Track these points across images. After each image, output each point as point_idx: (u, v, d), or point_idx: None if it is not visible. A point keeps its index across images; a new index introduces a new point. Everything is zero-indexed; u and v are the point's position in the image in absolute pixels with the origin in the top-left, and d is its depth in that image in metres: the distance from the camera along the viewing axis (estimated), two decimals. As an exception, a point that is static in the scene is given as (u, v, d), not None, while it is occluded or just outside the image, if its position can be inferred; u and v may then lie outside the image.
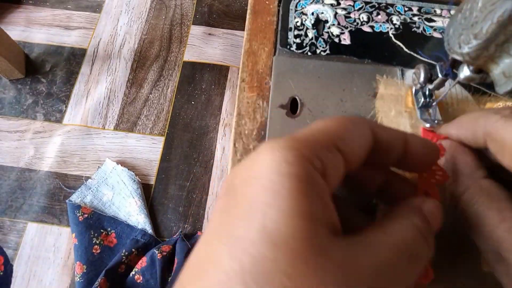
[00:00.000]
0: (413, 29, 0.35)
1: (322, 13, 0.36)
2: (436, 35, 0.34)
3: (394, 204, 0.19)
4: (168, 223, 0.87)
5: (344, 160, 0.16)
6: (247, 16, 0.35)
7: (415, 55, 0.33)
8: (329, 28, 0.35)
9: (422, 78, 0.27)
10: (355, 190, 0.22)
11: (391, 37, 0.34)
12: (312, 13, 0.35)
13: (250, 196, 0.13)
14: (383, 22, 0.35)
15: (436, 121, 0.27)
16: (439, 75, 0.26)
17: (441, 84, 0.26)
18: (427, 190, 0.22)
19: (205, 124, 0.98)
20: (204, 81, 1.04)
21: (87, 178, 0.90)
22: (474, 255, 0.24)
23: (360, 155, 0.17)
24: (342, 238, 0.14)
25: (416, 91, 0.30)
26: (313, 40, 0.34)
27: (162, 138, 0.96)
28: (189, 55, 1.07)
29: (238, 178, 0.15)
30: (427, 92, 0.28)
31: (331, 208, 0.14)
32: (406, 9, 0.36)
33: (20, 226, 0.86)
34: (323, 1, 0.36)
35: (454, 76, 0.24)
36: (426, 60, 0.33)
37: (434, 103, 0.28)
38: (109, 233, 0.84)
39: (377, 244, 0.14)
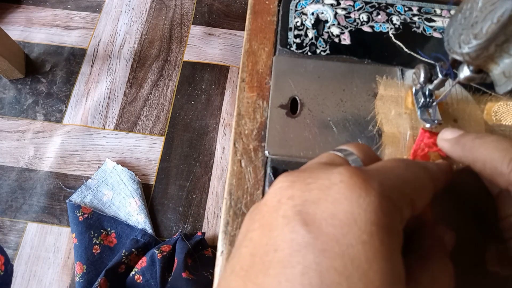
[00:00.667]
0: (413, 29, 0.35)
1: (322, 13, 0.36)
2: (436, 35, 0.34)
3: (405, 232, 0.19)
4: (168, 223, 0.87)
5: (411, 213, 0.16)
6: (247, 16, 0.35)
7: (415, 55, 0.33)
8: (329, 28, 0.35)
9: (422, 78, 0.27)
10: None
11: (391, 37, 0.34)
12: (312, 13, 0.35)
13: (346, 246, 0.12)
14: (383, 22, 0.35)
15: (436, 121, 0.27)
16: (439, 75, 0.26)
17: (441, 84, 0.26)
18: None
19: (205, 124, 0.98)
20: (204, 81, 1.04)
21: (87, 178, 0.90)
22: (478, 254, 0.24)
23: (421, 209, 0.17)
24: None
25: (416, 91, 0.30)
26: (313, 40, 0.34)
27: (162, 138, 0.96)
28: (189, 55, 1.07)
29: (318, 209, 0.13)
30: (427, 92, 0.28)
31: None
32: (406, 9, 0.36)
33: (20, 226, 0.86)
34: (323, 1, 0.36)
35: (455, 76, 0.24)
36: (426, 60, 0.33)
37: (434, 103, 0.28)
38: (109, 233, 0.84)
39: None
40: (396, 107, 0.30)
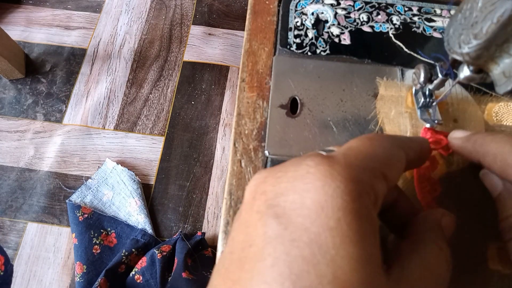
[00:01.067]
0: (413, 29, 0.35)
1: (322, 13, 0.36)
2: (436, 35, 0.34)
3: (400, 221, 0.19)
4: (168, 223, 0.87)
5: (387, 186, 0.16)
6: (247, 16, 0.35)
7: (415, 55, 0.33)
8: (329, 28, 0.35)
9: (422, 78, 0.27)
10: None
11: (391, 37, 0.34)
12: (312, 13, 0.35)
13: (314, 234, 0.12)
14: (383, 22, 0.35)
15: (436, 121, 0.27)
16: (439, 75, 0.26)
17: (441, 84, 0.26)
18: (428, 201, 0.23)
19: (205, 124, 0.98)
20: (204, 81, 1.04)
21: (87, 178, 0.90)
22: (479, 253, 0.24)
23: (397, 180, 0.17)
24: (387, 274, 0.14)
25: (416, 91, 0.30)
26: (313, 40, 0.34)
27: (162, 138, 0.96)
28: (189, 55, 1.07)
29: (288, 200, 0.14)
30: (427, 92, 0.28)
31: (379, 244, 0.14)
32: (406, 9, 0.36)
33: (20, 226, 0.86)
34: (323, 1, 0.36)
35: (455, 76, 0.24)
36: (426, 60, 0.33)
37: (434, 103, 0.28)
38: (109, 233, 0.84)
39: (417, 278, 0.15)
40: (397, 106, 0.30)
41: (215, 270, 0.15)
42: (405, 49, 0.34)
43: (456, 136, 0.24)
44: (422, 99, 0.29)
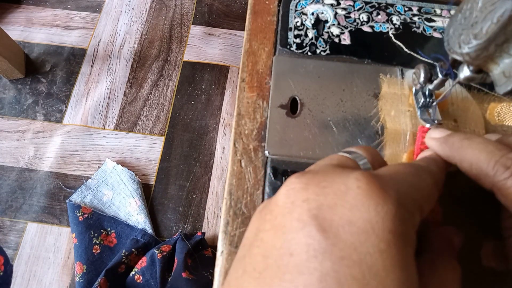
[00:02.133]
0: (413, 29, 0.35)
1: (322, 13, 0.36)
2: (436, 35, 0.34)
3: None
4: (168, 223, 0.87)
5: (420, 219, 0.16)
6: (247, 16, 0.35)
7: (415, 55, 0.33)
8: (329, 28, 0.35)
9: (422, 78, 0.27)
10: None
11: (391, 37, 0.34)
12: (312, 13, 0.35)
13: (363, 254, 0.12)
14: (383, 22, 0.35)
15: (435, 121, 0.27)
16: (439, 75, 0.26)
17: (441, 84, 0.26)
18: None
19: (205, 124, 0.98)
20: (204, 81, 1.04)
21: (87, 178, 0.90)
22: (472, 249, 0.24)
23: (427, 214, 0.17)
24: None
25: (416, 91, 0.30)
26: (313, 40, 0.34)
27: (162, 138, 0.96)
28: (189, 55, 1.07)
29: (336, 214, 0.13)
30: (427, 92, 0.28)
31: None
32: (406, 9, 0.36)
33: (20, 226, 0.86)
34: (323, 1, 0.36)
35: (455, 76, 0.24)
36: (426, 60, 0.33)
37: (434, 103, 0.28)
38: (109, 233, 0.84)
39: None
40: (399, 104, 0.30)
41: (241, 269, 0.14)
42: (405, 49, 0.34)
43: (434, 137, 0.24)
44: (422, 99, 0.29)
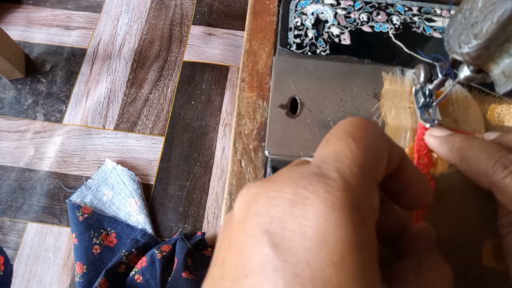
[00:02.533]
0: (413, 29, 0.35)
1: (322, 13, 0.36)
2: (436, 35, 0.34)
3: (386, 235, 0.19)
4: (168, 223, 0.87)
5: (378, 191, 0.15)
6: (247, 16, 0.35)
7: (415, 55, 0.33)
8: (329, 28, 0.35)
9: (422, 78, 0.27)
10: None
11: (391, 37, 0.34)
12: (312, 13, 0.35)
13: (317, 269, 0.12)
14: (383, 22, 0.35)
15: (435, 121, 0.27)
16: (439, 75, 0.26)
17: (441, 84, 0.26)
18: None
19: (205, 124, 0.98)
20: (204, 81, 1.04)
21: (87, 178, 0.90)
22: (475, 249, 0.24)
23: (382, 176, 0.15)
24: None
25: (416, 91, 0.30)
26: (313, 40, 0.34)
27: (162, 138, 0.96)
28: (189, 55, 1.07)
29: (286, 228, 0.13)
30: (427, 92, 0.28)
31: (379, 271, 0.13)
32: (406, 9, 0.36)
33: (20, 226, 0.86)
34: (323, 1, 0.36)
35: (455, 76, 0.24)
36: (426, 60, 0.33)
37: (434, 103, 0.28)
38: (109, 233, 0.84)
39: None
40: (400, 101, 0.31)
41: (206, 286, 0.14)
42: (405, 49, 0.34)
43: (434, 135, 0.24)
44: (422, 99, 0.29)
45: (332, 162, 0.14)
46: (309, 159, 0.17)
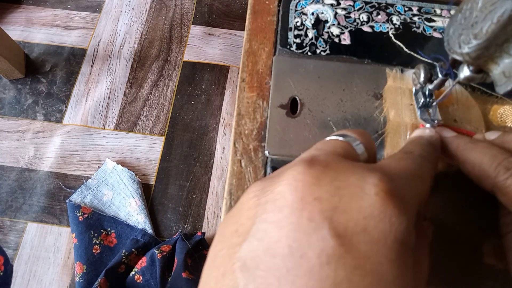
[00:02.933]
0: (413, 29, 0.35)
1: (322, 13, 0.36)
2: (436, 35, 0.34)
3: None
4: (168, 223, 0.87)
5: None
6: (247, 16, 0.35)
7: (415, 55, 0.33)
8: (329, 28, 0.35)
9: (422, 78, 0.27)
10: None
11: (391, 37, 0.34)
12: (312, 13, 0.35)
13: (375, 264, 0.12)
14: (383, 22, 0.35)
15: (436, 121, 0.27)
16: (439, 75, 0.26)
17: (441, 84, 0.26)
18: None
19: (205, 124, 0.98)
20: (204, 81, 1.04)
21: (87, 178, 0.90)
22: (476, 247, 0.24)
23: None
24: None
25: (416, 91, 0.30)
26: (313, 40, 0.34)
27: (162, 138, 0.96)
28: (189, 55, 1.07)
29: (350, 220, 0.13)
30: (427, 92, 0.28)
31: None
32: (406, 9, 0.36)
33: (20, 226, 0.86)
34: (323, 1, 0.36)
35: (455, 76, 0.24)
36: (426, 60, 0.33)
37: (434, 103, 0.28)
38: (109, 233, 0.84)
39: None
40: (403, 98, 0.31)
41: (237, 260, 0.13)
42: (405, 49, 0.34)
43: (441, 135, 0.24)
44: (422, 99, 0.29)
45: (394, 169, 0.16)
46: (340, 138, 0.18)
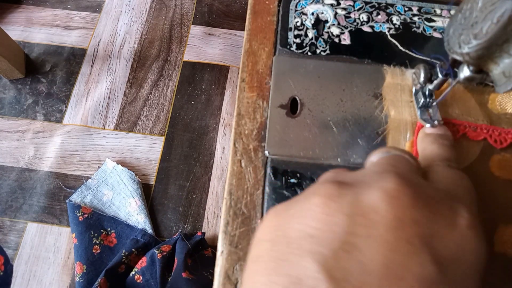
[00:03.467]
0: (413, 29, 0.35)
1: (322, 13, 0.36)
2: (436, 35, 0.34)
3: None
4: (168, 223, 0.87)
5: None
6: (247, 16, 0.35)
7: (415, 55, 0.33)
8: (329, 28, 0.35)
9: (422, 78, 0.27)
10: None
11: (386, 35, 0.34)
12: (312, 13, 0.35)
13: None
14: (383, 22, 0.35)
15: (436, 121, 0.27)
16: (439, 75, 0.26)
17: (441, 84, 0.26)
18: None
19: (205, 124, 0.98)
20: (204, 81, 1.04)
21: (87, 178, 0.90)
22: (486, 236, 0.24)
23: None
24: None
25: (416, 91, 0.30)
26: (313, 40, 0.34)
27: (162, 138, 0.96)
28: (189, 55, 1.07)
29: (448, 248, 0.14)
30: (427, 92, 0.28)
31: None
32: (406, 9, 0.36)
33: (20, 226, 0.86)
34: (323, 1, 0.36)
35: (455, 75, 0.24)
36: (423, 58, 0.33)
37: (434, 103, 0.28)
38: (109, 233, 0.84)
39: None
40: (402, 95, 0.31)
41: (327, 274, 0.13)
42: (400, 47, 0.34)
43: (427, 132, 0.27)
44: (422, 99, 0.29)
45: (469, 204, 0.17)
46: (410, 158, 0.19)
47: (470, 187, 0.18)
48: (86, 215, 0.83)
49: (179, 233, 0.82)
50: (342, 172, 0.18)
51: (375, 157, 0.19)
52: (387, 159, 0.18)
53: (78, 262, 0.79)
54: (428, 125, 0.27)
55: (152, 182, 0.91)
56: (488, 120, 0.29)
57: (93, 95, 1.01)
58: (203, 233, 0.83)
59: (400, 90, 0.31)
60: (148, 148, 0.95)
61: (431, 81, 0.27)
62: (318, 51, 0.33)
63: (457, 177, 0.19)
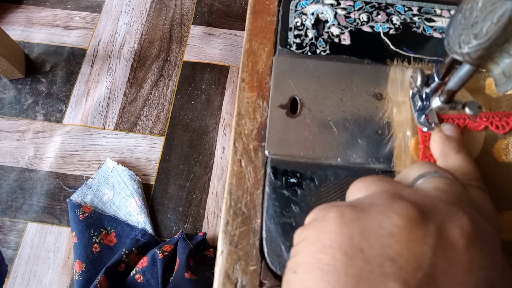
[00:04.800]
0: (413, 29, 0.35)
1: (322, 13, 0.36)
2: (436, 35, 0.34)
3: None
4: (168, 223, 0.87)
5: None
6: (247, 16, 0.35)
7: (414, 55, 0.33)
8: (329, 28, 0.35)
9: (418, 82, 0.27)
10: None
11: (380, 34, 0.34)
12: (312, 13, 0.35)
13: None
14: (383, 22, 0.35)
15: (433, 125, 0.27)
16: (436, 79, 0.26)
17: (438, 88, 0.27)
18: None
19: (205, 124, 0.98)
20: (204, 81, 1.04)
21: (87, 178, 0.90)
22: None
23: None
24: None
25: (413, 95, 0.30)
26: (313, 40, 0.34)
27: (162, 138, 0.96)
28: (189, 55, 1.07)
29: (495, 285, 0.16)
30: (424, 96, 0.28)
31: None
32: (406, 9, 0.36)
33: (20, 226, 0.86)
34: (323, 1, 0.36)
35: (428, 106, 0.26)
36: (412, 55, 0.33)
37: (430, 108, 0.28)
38: (109, 232, 0.84)
39: None
40: (405, 93, 0.31)
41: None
42: (391, 47, 0.34)
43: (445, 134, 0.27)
44: (419, 103, 0.29)
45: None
46: (445, 176, 0.20)
47: (495, 213, 0.20)
48: (86, 214, 0.83)
49: (181, 233, 0.82)
50: (396, 184, 0.19)
51: (422, 174, 0.20)
52: (448, 185, 0.19)
53: (77, 260, 0.79)
54: (425, 129, 0.28)
55: (152, 182, 0.91)
56: (487, 106, 0.29)
57: (93, 95, 1.01)
58: (205, 233, 0.83)
59: (401, 86, 0.31)
60: (148, 148, 0.95)
61: (427, 85, 0.27)
62: (318, 51, 0.33)
63: (491, 207, 0.20)
